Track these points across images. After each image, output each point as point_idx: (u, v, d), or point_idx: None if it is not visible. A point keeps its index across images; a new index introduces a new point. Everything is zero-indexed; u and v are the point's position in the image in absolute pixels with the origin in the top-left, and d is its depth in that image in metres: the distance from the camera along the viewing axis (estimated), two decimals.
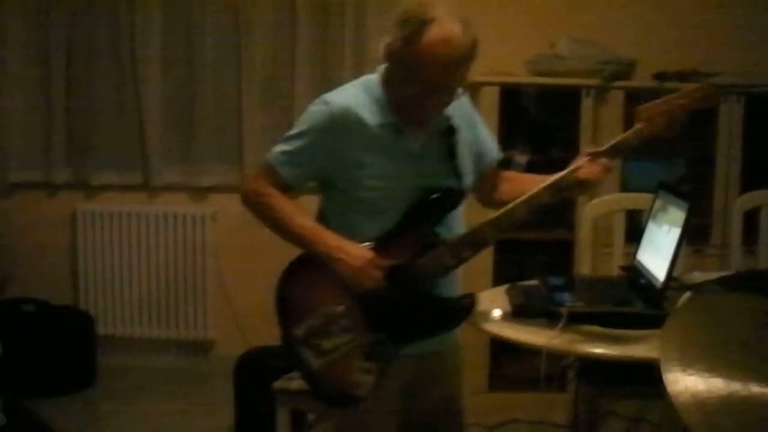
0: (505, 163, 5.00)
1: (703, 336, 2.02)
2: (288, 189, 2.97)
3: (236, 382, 4.76)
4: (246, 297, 5.82)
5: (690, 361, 1.92)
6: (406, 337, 2.94)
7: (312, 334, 2.91)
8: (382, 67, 2.92)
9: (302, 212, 2.97)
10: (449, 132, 2.98)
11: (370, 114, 2.88)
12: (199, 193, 5.98)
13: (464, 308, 3.00)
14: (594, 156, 2.97)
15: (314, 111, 2.92)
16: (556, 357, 4.68)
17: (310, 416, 4.01)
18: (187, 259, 5.95)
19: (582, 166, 2.95)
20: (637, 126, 2.97)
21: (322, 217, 3.02)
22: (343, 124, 2.86)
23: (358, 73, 5.41)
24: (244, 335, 5.71)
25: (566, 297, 3.20)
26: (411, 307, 2.94)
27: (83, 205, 6.02)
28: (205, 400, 5.48)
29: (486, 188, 3.27)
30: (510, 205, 2.95)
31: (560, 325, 3.02)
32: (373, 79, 2.95)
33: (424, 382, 3.08)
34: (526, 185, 3.06)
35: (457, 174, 2.98)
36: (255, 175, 3.04)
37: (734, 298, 2.55)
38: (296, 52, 5.74)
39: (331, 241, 2.89)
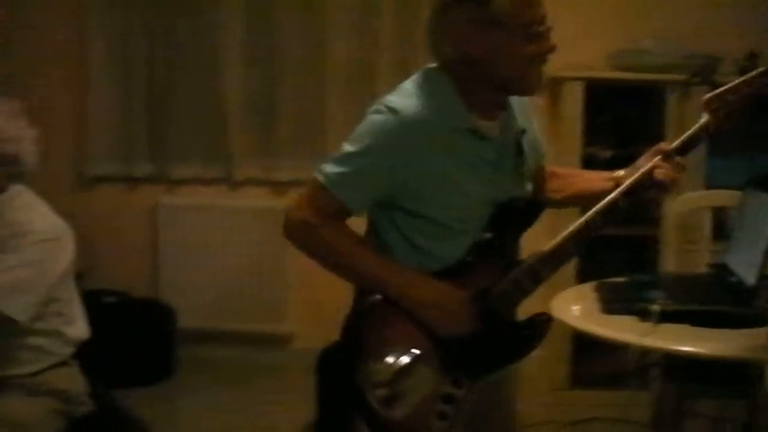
0: (589, 159, 5.03)
1: None
2: (344, 216, 2.57)
3: (317, 375, 4.75)
4: (326, 291, 5.75)
5: None
6: (483, 372, 2.66)
7: (385, 380, 2.53)
8: (432, 65, 2.62)
9: (367, 245, 2.64)
10: (519, 134, 2.70)
11: (443, 119, 2.52)
12: (281, 187, 5.98)
13: (542, 332, 2.69)
14: (667, 155, 2.71)
15: (379, 121, 2.51)
16: (639, 355, 4.69)
17: None
18: (267, 252, 5.95)
19: (657, 166, 2.68)
20: (704, 119, 2.74)
21: (379, 244, 2.66)
22: (416, 135, 2.48)
23: None
24: (323, 329, 5.66)
25: (657, 294, 3.16)
26: (490, 339, 2.62)
27: (164, 199, 6.09)
28: (284, 394, 5.48)
29: (535, 187, 2.87)
30: (587, 216, 2.64)
31: (652, 322, 2.99)
32: (433, 76, 2.59)
33: (487, 410, 2.77)
34: (576, 181, 2.94)
35: (541, 183, 2.79)
36: (302, 201, 2.58)
37: None
38: (378, 46, 5.73)
39: (415, 281, 2.56)
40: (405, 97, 2.55)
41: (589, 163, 4.97)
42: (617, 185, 2.69)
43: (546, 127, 4.80)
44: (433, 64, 2.62)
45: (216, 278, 6.06)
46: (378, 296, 2.58)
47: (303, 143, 5.90)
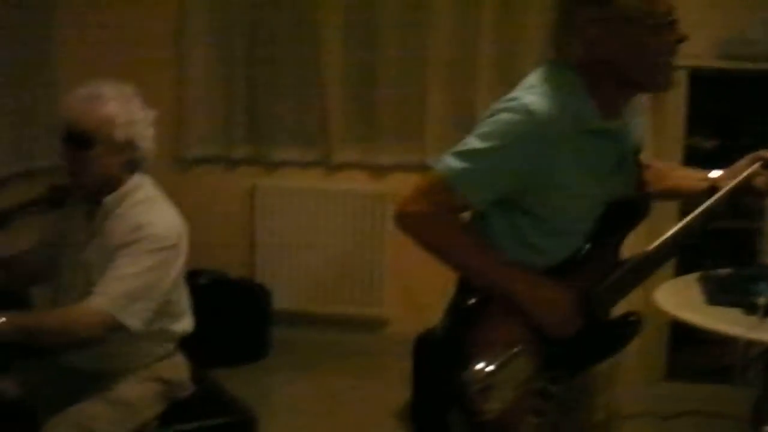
0: (691, 150, 4.96)
1: None
2: (462, 211, 2.55)
3: (414, 361, 4.74)
4: (422, 276, 5.77)
5: None
6: (579, 368, 2.68)
7: (486, 375, 2.49)
8: (555, 59, 2.56)
9: (484, 243, 2.58)
10: (636, 133, 2.69)
11: (575, 121, 2.45)
12: (379, 171, 5.97)
13: (636, 330, 2.68)
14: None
15: (514, 122, 2.42)
16: (740, 349, 4.61)
17: None
18: (364, 236, 5.97)
19: (757, 173, 2.67)
20: None
21: (486, 236, 2.61)
22: (550, 138, 2.41)
23: (543, 53, 5.37)
24: (418, 314, 5.67)
25: (763, 287, 3.12)
26: (588, 337, 2.60)
27: (262, 181, 6.11)
28: (377, 377, 5.51)
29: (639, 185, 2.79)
30: (687, 219, 2.63)
31: (758, 316, 2.95)
32: (562, 74, 2.51)
33: (575, 402, 2.78)
34: (670, 176, 2.90)
35: (641, 178, 2.71)
36: (422, 192, 2.52)
37: None
38: (480, 29, 5.63)
39: (532, 281, 2.53)
40: (538, 96, 2.45)
41: (692, 153, 4.90)
42: (713, 187, 2.68)
43: (648, 116, 4.76)
44: (554, 59, 2.57)
45: (312, 261, 6.08)
46: (484, 293, 2.55)
47: (403, 128, 5.86)
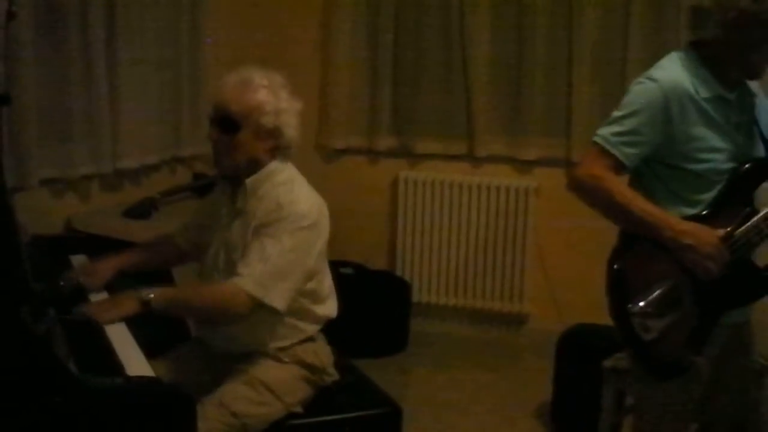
0: None
1: None
2: (620, 171, 3.05)
3: (558, 357, 4.68)
4: (564, 273, 5.75)
5: None
6: (726, 308, 3.10)
7: (646, 310, 3.02)
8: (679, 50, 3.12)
9: (639, 196, 3.04)
10: (754, 105, 3.15)
11: (696, 88, 3.01)
12: (524, 165, 5.92)
13: None
14: None
15: (643, 89, 3.04)
16: None
17: (629, 400, 3.92)
18: (506, 231, 5.94)
19: None
20: None
21: (644, 192, 3.09)
22: (674, 99, 2.98)
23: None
24: (559, 311, 5.64)
25: None
26: (732, 278, 3.04)
27: (405, 173, 6.11)
28: (517, 373, 5.48)
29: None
30: None
31: None
32: (683, 56, 3.08)
33: (734, 351, 3.21)
34: None
35: (765, 143, 3.14)
36: (586, 159, 3.09)
37: None
38: (629, 24, 5.55)
39: (678, 226, 3.00)
40: (661, 70, 3.07)
41: None
42: None
43: None
44: (680, 50, 3.13)
45: (453, 254, 6.08)
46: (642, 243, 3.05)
47: (549, 122, 5.82)
